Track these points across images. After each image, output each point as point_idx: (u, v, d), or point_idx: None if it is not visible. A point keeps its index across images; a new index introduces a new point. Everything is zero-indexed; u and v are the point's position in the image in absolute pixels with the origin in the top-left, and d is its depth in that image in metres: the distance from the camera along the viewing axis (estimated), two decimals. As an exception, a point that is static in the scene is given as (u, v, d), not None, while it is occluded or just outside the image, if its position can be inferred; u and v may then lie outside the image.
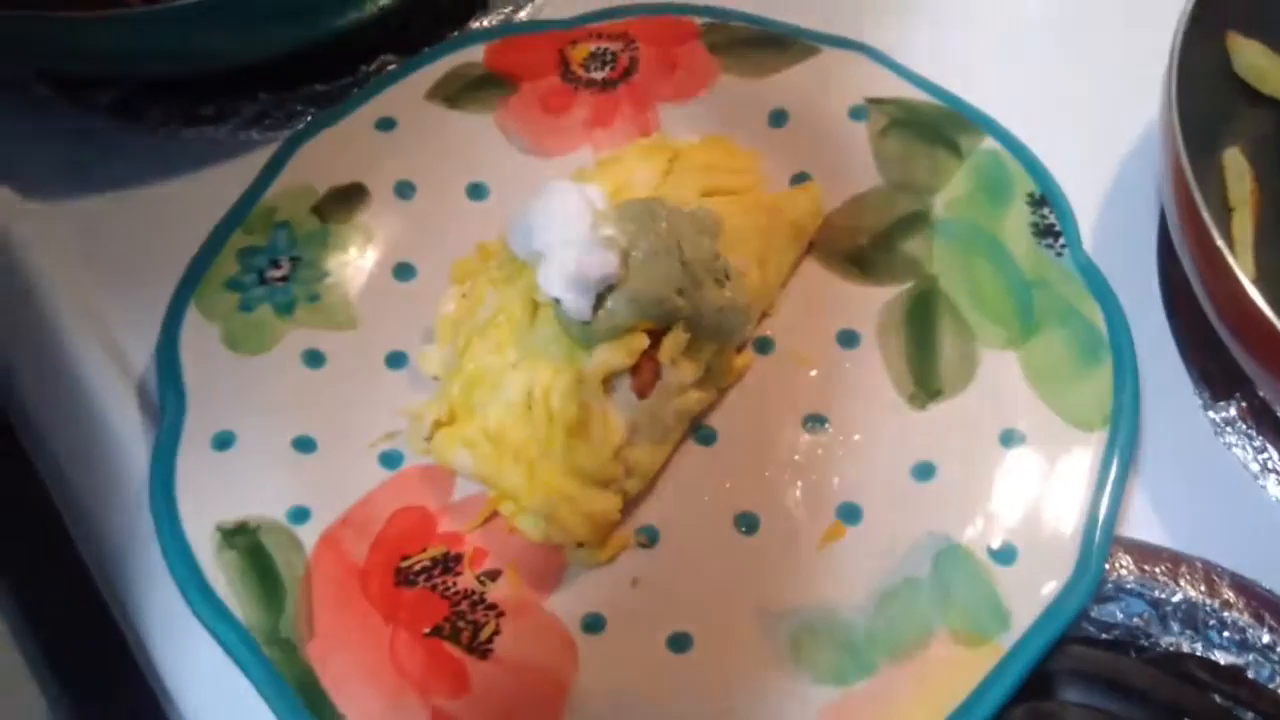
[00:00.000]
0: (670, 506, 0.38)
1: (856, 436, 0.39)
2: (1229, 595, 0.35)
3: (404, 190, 0.44)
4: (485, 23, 0.49)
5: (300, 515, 0.37)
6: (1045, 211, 0.41)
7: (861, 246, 0.42)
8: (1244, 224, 0.40)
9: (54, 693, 0.39)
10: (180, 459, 0.37)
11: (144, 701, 0.37)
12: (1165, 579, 0.35)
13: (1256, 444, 0.38)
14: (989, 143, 0.43)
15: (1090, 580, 0.34)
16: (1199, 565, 0.35)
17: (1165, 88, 0.37)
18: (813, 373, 0.40)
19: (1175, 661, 0.34)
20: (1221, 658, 0.34)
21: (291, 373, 0.40)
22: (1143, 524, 0.37)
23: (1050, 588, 0.34)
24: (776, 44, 0.46)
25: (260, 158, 0.44)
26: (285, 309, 0.41)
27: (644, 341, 0.36)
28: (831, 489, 0.38)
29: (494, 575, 0.36)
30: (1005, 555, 0.35)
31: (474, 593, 0.36)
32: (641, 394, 0.37)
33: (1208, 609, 0.34)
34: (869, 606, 0.35)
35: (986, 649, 0.33)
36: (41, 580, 0.43)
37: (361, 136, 0.45)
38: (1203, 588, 0.35)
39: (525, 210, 0.37)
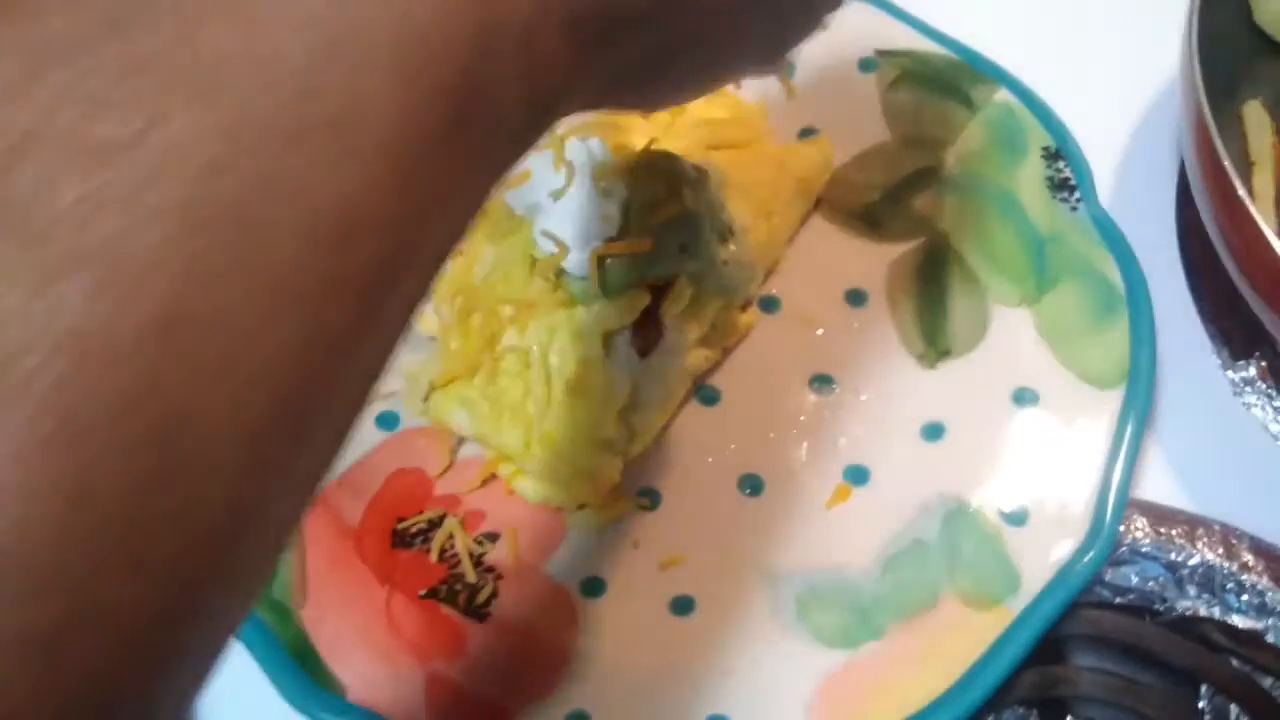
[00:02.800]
0: (673, 468, 0.37)
1: (864, 396, 0.38)
2: (1247, 558, 0.34)
3: (400, 146, 0.43)
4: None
5: (294, 476, 0.36)
6: (1060, 165, 0.40)
7: (871, 202, 0.41)
8: (1265, 178, 0.39)
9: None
10: (171, 419, 0.37)
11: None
12: (1182, 541, 0.34)
13: (1277, 404, 0.37)
14: (1002, 95, 0.42)
15: (1104, 543, 0.33)
16: (1216, 528, 0.34)
17: (1185, 38, 0.36)
18: (820, 331, 0.39)
19: (1192, 625, 0.33)
20: (1240, 621, 0.33)
21: (285, 332, 0.39)
22: (1159, 486, 0.36)
23: (1063, 550, 0.33)
24: (783, -5, 0.45)
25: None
26: (279, 267, 0.40)
27: (645, 298, 0.35)
28: (838, 450, 0.37)
29: (492, 538, 0.36)
30: (1016, 517, 0.34)
31: (472, 555, 0.35)
32: (643, 352, 0.36)
33: (1225, 572, 0.34)
34: (876, 569, 0.34)
35: (996, 612, 0.33)
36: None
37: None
38: (1220, 550, 0.34)
39: (524, 164, 0.36)
